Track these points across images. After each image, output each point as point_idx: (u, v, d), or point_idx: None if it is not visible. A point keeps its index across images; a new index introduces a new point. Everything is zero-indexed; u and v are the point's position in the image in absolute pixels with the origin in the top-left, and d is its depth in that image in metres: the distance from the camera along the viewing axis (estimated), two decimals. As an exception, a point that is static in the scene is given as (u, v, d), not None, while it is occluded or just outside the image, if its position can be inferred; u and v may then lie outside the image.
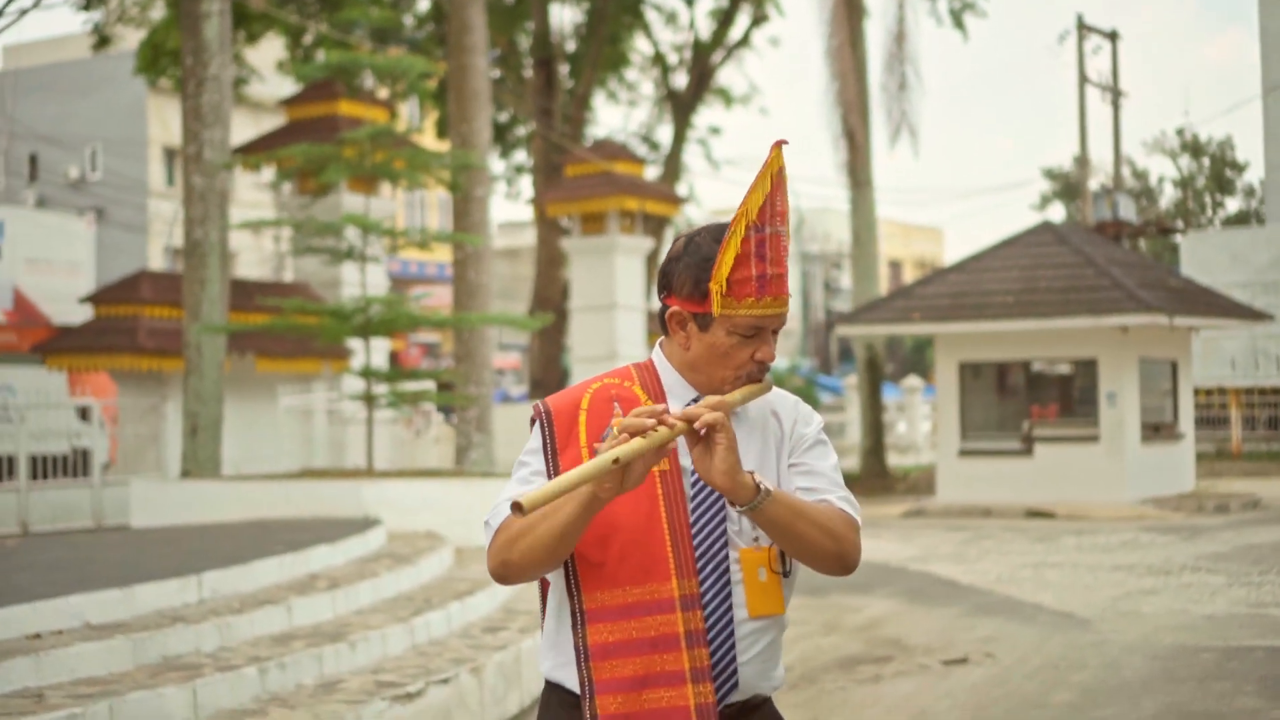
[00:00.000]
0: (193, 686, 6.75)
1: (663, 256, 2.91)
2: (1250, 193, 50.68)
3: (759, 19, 32.03)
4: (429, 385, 21.77)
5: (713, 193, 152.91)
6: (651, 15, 32.53)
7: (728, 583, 2.72)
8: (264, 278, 34.33)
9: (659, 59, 32.95)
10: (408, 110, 41.07)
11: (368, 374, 15.76)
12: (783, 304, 2.78)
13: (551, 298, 28.82)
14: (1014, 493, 21.66)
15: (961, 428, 22.76)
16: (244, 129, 34.35)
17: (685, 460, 2.77)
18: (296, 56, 28.09)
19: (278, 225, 18.21)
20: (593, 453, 2.71)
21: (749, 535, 2.72)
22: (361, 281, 16.82)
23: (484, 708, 8.08)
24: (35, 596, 7.70)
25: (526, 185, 34.28)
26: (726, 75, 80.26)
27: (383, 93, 27.98)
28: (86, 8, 26.42)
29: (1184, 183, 52.02)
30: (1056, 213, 52.10)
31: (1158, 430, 22.70)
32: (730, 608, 2.71)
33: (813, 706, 8.51)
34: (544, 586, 2.94)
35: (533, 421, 2.90)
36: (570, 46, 31.66)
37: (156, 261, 41.00)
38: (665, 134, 34.70)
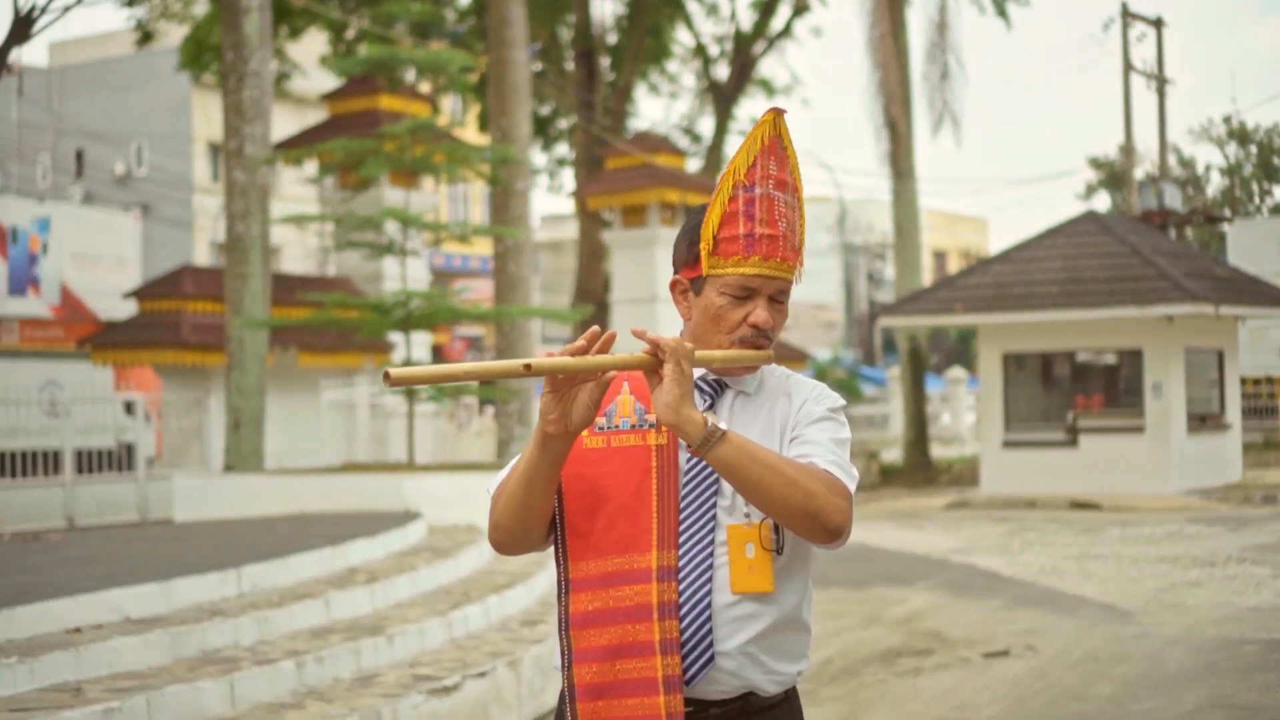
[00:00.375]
0: (230, 680, 6.78)
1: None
2: (1298, 180, 50.16)
3: (800, 9, 31.97)
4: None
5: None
6: (693, 6, 32.54)
7: (709, 556, 2.68)
8: (307, 272, 34.46)
9: (700, 50, 32.91)
10: (450, 104, 41.16)
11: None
12: (775, 267, 2.74)
13: (593, 290, 28.83)
14: (1058, 484, 21.52)
15: (1005, 419, 22.62)
16: (287, 124, 34.52)
17: None
18: (338, 51, 28.22)
19: (318, 220, 18.28)
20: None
21: (740, 511, 2.68)
22: (402, 275, 16.90)
23: (521, 701, 8.09)
24: (75, 590, 7.76)
25: (568, 178, 34.35)
26: (768, 66, 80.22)
27: (424, 87, 28.09)
28: (130, 4, 26.63)
29: (1231, 170, 51.48)
30: (1102, 202, 51.69)
31: (1204, 421, 22.49)
32: (709, 582, 2.66)
33: (853, 699, 8.49)
34: None
35: None
36: (611, 39, 31.68)
37: (202, 257, 41.29)
38: (707, 126, 34.70)
